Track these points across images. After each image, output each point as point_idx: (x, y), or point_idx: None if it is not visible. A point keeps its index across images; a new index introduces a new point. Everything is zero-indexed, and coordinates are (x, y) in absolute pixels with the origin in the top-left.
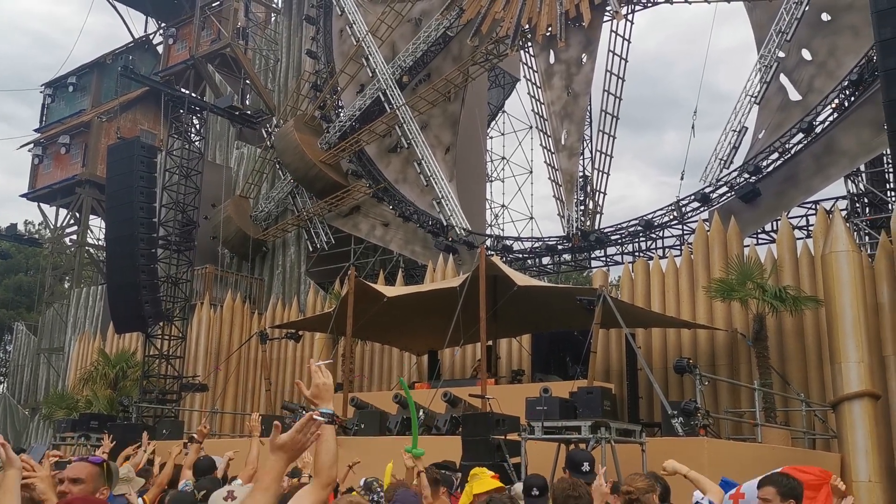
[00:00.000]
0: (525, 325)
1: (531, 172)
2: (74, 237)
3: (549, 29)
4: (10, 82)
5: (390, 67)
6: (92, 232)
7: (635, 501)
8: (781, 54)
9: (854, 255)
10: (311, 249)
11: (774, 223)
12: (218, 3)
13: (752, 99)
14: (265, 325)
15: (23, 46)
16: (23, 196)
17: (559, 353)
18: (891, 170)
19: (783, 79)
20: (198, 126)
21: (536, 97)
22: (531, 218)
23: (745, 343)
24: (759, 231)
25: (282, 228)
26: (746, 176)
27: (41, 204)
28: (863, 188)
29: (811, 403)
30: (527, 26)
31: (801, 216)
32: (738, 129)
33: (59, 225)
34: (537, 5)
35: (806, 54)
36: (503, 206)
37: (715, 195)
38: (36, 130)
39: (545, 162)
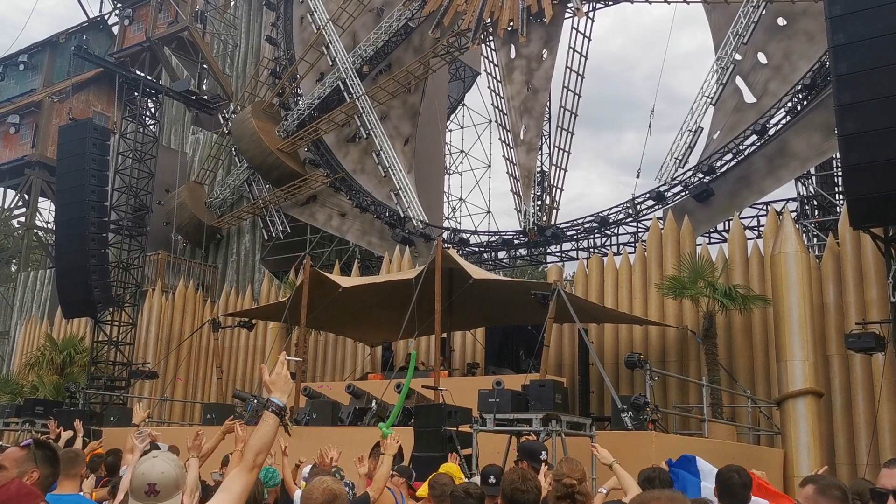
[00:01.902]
0: (479, 319)
1: (489, 167)
2: (22, 219)
3: (511, 24)
4: None
5: (351, 57)
6: (41, 214)
7: (574, 491)
8: (738, 57)
9: (802, 255)
10: (266, 238)
11: (727, 223)
12: None
13: (709, 100)
14: (218, 313)
15: None
16: None
17: (512, 347)
18: (840, 174)
19: (739, 81)
20: (153, 109)
21: (496, 91)
22: (488, 212)
23: (694, 340)
24: (711, 230)
25: (237, 216)
26: (700, 176)
27: None
28: (812, 191)
29: (757, 400)
30: (488, 20)
31: (753, 217)
32: (693, 130)
33: (6, 206)
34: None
35: (762, 57)
36: (461, 199)
37: (669, 194)
38: None
39: (503, 156)
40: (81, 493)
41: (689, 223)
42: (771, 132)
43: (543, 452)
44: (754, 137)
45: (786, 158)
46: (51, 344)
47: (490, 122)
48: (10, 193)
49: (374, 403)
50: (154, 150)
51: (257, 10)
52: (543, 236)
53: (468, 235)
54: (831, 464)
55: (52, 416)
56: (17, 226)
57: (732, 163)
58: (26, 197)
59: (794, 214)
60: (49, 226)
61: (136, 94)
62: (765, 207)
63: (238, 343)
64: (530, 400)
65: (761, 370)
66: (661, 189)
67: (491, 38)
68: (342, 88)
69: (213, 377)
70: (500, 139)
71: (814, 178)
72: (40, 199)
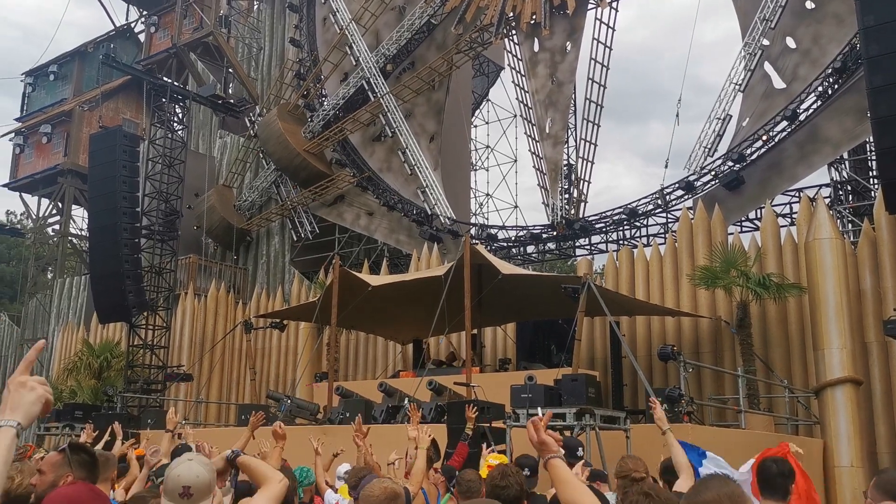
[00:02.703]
0: (509, 314)
1: (515, 161)
2: (57, 227)
3: (534, 17)
4: None
5: (374, 56)
6: (74, 222)
7: (640, 481)
8: (766, 42)
9: (837, 242)
10: (295, 239)
11: (758, 211)
12: None
13: (737, 87)
14: (249, 314)
15: (10, 40)
16: (4, 186)
17: (544, 342)
18: (874, 157)
19: (767, 67)
20: (180, 115)
21: (521, 85)
22: (515, 207)
23: (728, 330)
24: (742, 219)
25: (266, 218)
26: (730, 164)
27: (23, 194)
28: (846, 176)
29: (794, 390)
30: (511, 14)
31: (785, 204)
32: (722, 118)
33: (41, 215)
34: None
35: (790, 42)
36: (488, 194)
37: (699, 183)
38: (17, 120)
39: (529, 150)
40: (113, 497)
41: (719, 212)
42: (802, 118)
43: (580, 449)
44: (785, 123)
45: (818, 144)
46: (88, 349)
47: (515, 116)
48: (45, 202)
49: (406, 401)
50: (183, 155)
51: (280, 13)
52: (572, 230)
53: (496, 231)
54: (872, 453)
55: (90, 421)
56: (52, 234)
57: (763, 150)
58: (60, 205)
59: (827, 200)
60: (83, 233)
61: (163, 100)
62: (797, 194)
63: (270, 344)
64: (563, 394)
65: (798, 359)
66: (691, 178)
67: (514, 32)
68: (366, 88)
69: (247, 378)
70: (525, 133)
71: (847, 162)
72: (74, 206)
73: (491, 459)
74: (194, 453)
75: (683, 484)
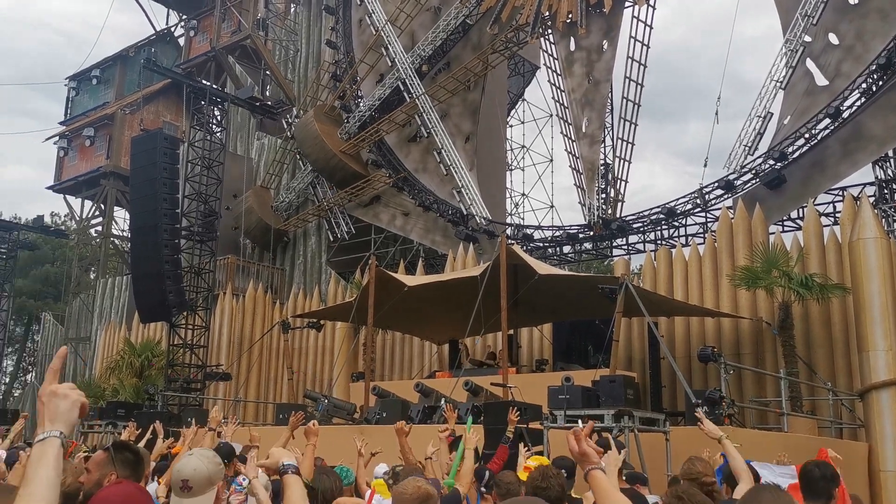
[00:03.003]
0: (546, 314)
1: (551, 161)
2: (100, 228)
3: (570, 16)
4: (42, 80)
5: (410, 56)
6: (116, 223)
7: (712, 490)
8: (808, 38)
9: (882, 241)
10: (331, 239)
11: (800, 210)
12: None
13: (778, 84)
14: (287, 314)
15: (56, 46)
16: (49, 188)
17: (580, 342)
18: None
19: (809, 63)
20: (219, 117)
21: (557, 85)
22: (551, 206)
23: (770, 331)
24: (784, 218)
25: (303, 218)
26: (771, 162)
27: (67, 196)
28: (891, 174)
29: (838, 392)
30: (547, 13)
31: (828, 203)
32: (763, 115)
33: (84, 216)
34: None
35: (833, 38)
36: (523, 194)
37: (739, 182)
38: (61, 123)
39: (566, 150)
40: (155, 495)
41: (760, 211)
42: (845, 115)
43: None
44: (827, 121)
45: (862, 141)
46: (129, 348)
47: (551, 116)
48: (88, 203)
49: (443, 401)
50: (221, 157)
51: (317, 16)
52: (609, 229)
53: (532, 231)
54: None
55: (132, 419)
56: (94, 235)
57: (805, 148)
58: (102, 207)
59: (872, 199)
60: (124, 234)
61: (202, 102)
62: (841, 193)
63: (307, 344)
64: (601, 396)
65: (842, 361)
66: (731, 177)
67: (549, 31)
68: (402, 88)
69: (284, 378)
70: (561, 133)
71: (892, 160)
72: (116, 208)
73: (529, 461)
74: (198, 449)
75: (744, 489)
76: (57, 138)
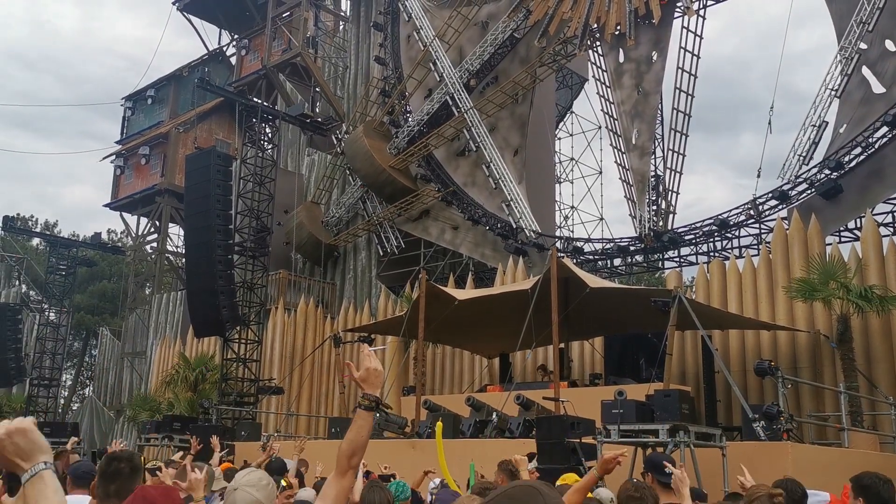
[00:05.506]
0: (597, 328)
1: (601, 173)
2: (155, 245)
3: (618, 27)
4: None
5: (458, 71)
6: (171, 239)
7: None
8: (863, 46)
9: None
10: (381, 254)
11: (858, 220)
12: (288, 13)
13: (833, 92)
14: (338, 328)
15: (118, 70)
16: (106, 206)
17: (632, 356)
18: None
19: (865, 71)
20: (270, 134)
21: (606, 97)
22: (601, 219)
23: (828, 345)
24: (841, 229)
25: (353, 233)
26: (827, 172)
27: (123, 213)
28: None
29: None
30: (595, 25)
31: (887, 213)
32: (818, 124)
33: (140, 233)
34: (605, 4)
35: (889, 45)
36: (573, 207)
37: (794, 192)
38: (117, 143)
39: (616, 162)
40: None
41: (816, 222)
42: None
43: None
44: (885, 129)
45: None
46: (184, 362)
47: (600, 128)
48: (143, 221)
49: (494, 415)
50: (273, 174)
51: (365, 32)
52: (660, 241)
53: (582, 243)
54: None
55: (188, 432)
56: (150, 251)
57: (862, 157)
58: (157, 223)
59: None
60: (179, 250)
61: (254, 120)
62: None
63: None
64: (655, 410)
65: None
66: (785, 188)
67: (598, 43)
68: (450, 103)
69: (336, 392)
70: (611, 145)
71: None
72: (170, 224)
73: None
74: (244, 478)
75: None
76: (113, 157)
